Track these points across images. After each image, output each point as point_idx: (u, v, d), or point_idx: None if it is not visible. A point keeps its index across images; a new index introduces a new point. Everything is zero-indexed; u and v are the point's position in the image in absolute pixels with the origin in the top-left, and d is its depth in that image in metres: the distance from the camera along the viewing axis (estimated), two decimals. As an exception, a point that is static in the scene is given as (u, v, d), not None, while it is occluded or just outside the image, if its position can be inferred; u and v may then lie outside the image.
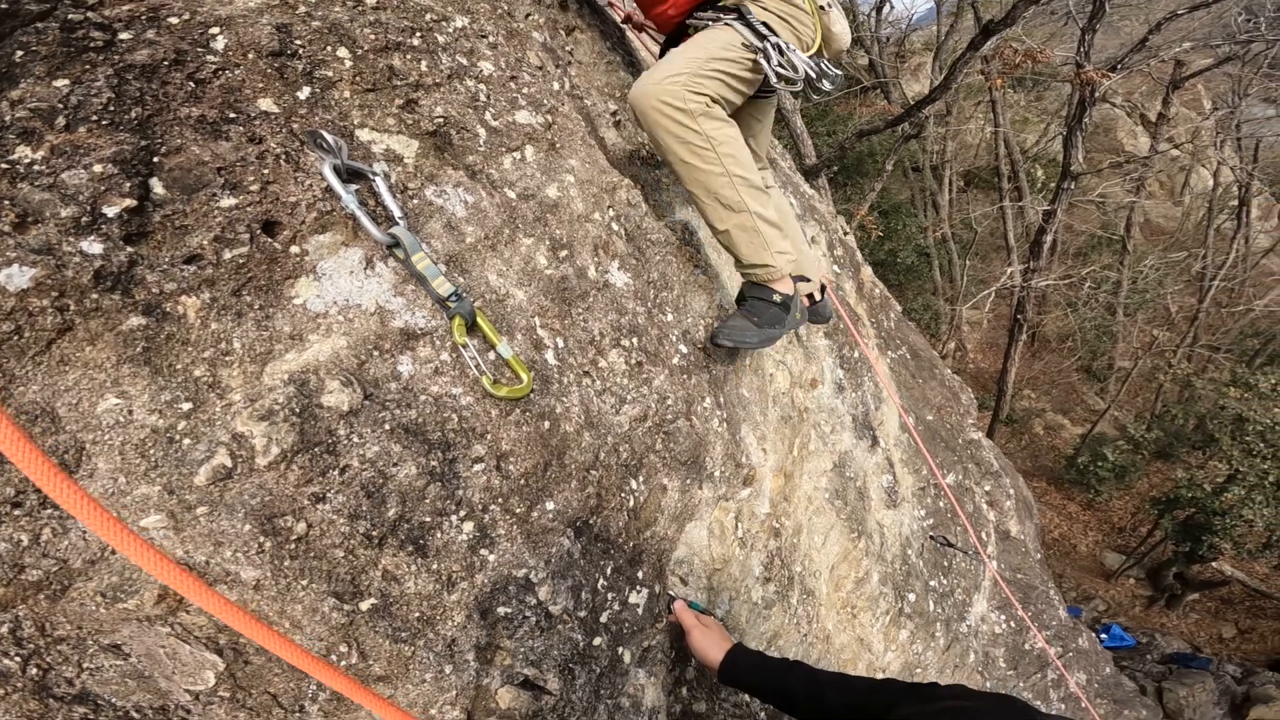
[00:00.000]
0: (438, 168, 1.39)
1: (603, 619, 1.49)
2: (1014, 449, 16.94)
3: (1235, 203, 17.17)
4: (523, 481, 1.26)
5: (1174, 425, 15.03)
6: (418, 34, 1.45)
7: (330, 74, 1.21)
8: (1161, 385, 16.33)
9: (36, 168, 0.82)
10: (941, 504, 4.43)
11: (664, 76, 1.77)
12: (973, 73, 10.99)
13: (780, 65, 1.89)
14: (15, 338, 0.78)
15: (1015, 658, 4.88)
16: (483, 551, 1.16)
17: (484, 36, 1.68)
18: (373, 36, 1.31)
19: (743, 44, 1.88)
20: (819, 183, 9.81)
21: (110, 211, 0.85)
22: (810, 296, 2.77)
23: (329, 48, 1.22)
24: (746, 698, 2.16)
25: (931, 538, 4.21)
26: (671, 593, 1.85)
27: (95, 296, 0.83)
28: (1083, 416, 18.09)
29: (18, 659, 0.85)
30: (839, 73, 2.37)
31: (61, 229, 0.82)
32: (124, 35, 0.95)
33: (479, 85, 1.60)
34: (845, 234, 5.25)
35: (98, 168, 0.85)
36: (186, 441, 0.86)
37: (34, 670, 0.86)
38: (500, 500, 1.20)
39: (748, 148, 1.90)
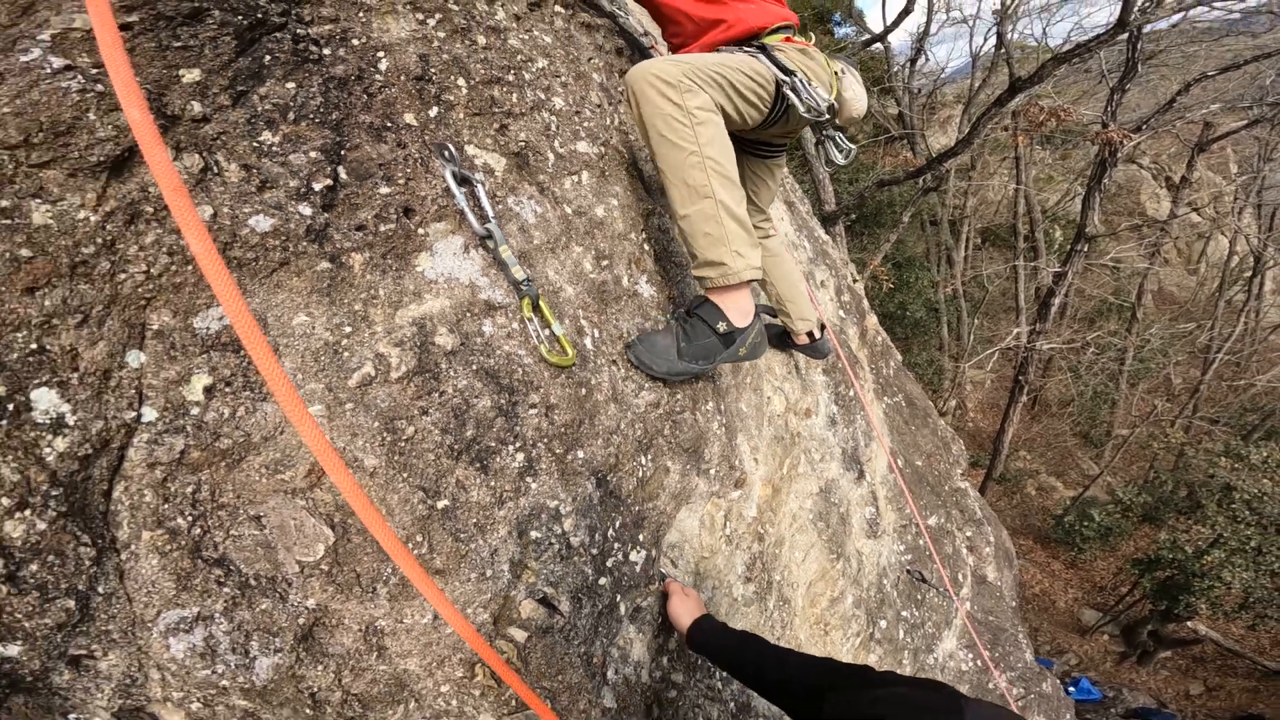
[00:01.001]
0: (518, 182, 1.75)
1: (608, 564, 1.79)
2: (1004, 506, 17.18)
3: (1249, 274, 17.25)
4: (563, 429, 1.59)
5: (1163, 491, 15.34)
6: (511, 71, 1.81)
7: (451, 98, 1.58)
8: (1156, 454, 16.55)
9: (274, 148, 1.18)
10: (921, 542, 4.68)
11: (665, 60, 1.75)
12: (998, 129, 10.98)
13: (809, 100, 1.90)
14: (254, 263, 1.13)
15: (978, 695, 5.09)
16: (528, 479, 1.49)
17: (558, 76, 2.05)
18: (481, 71, 1.68)
19: (756, 72, 1.87)
20: (835, 230, 10.12)
21: (317, 186, 1.22)
22: (810, 334, 2.94)
23: (452, 77, 1.59)
24: (719, 683, 2.39)
25: (908, 571, 4.43)
26: (663, 571, 2.13)
27: (304, 245, 1.18)
28: (1076, 480, 18.37)
29: (189, 518, 1.11)
30: (852, 146, 2.45)
31: (287, 194, 1.18)
32: (325, 51, 1.32)
33: (551, 117, 1.97)
34: (854, 281, 5.63)
35: (312, 154, 1.21)
36: (345, 354, 1.20)
37: (197, 530, 1.12)
38: (545, 440, 1.53)
39: (733, 153, 1.78)
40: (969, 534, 6.28)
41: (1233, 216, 17.05)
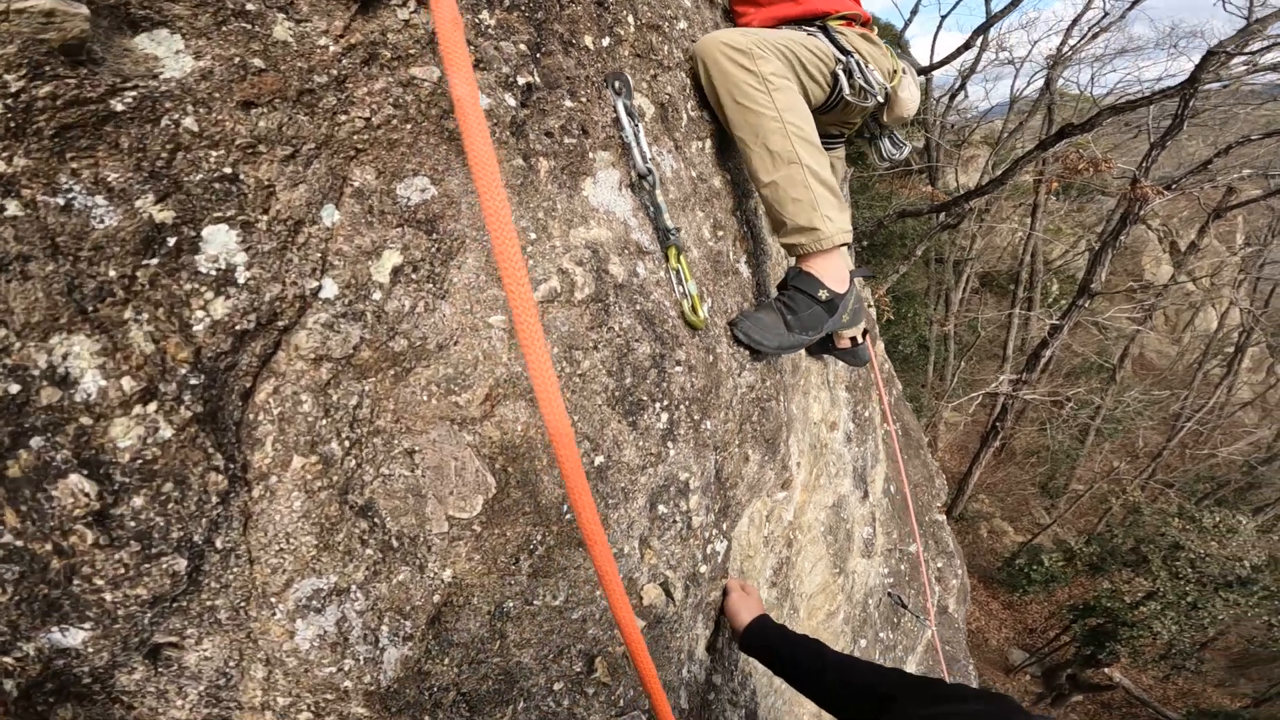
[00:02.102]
0: (661, 133, 1.66)
1: (707, 550, 1.69)
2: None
3: (1232, 349, 17.57)
4: (699, 395, 1.48)
5: (1112, 543, 15.91)
6: (665, 22, 1.73)
7: (621, 33, 1.48)
8: (1111, 508, 17.07)
9: (490, 30, 1.06)
10: (903, 567, 4.73)
11: (732, 30, 1.74)
12: (1027, 172, 11.02)
13: (860, 81, 1.86)
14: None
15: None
16: (668, 444, 1.38)
17: (694, 40, 1.97)
18: (646, 13, 1.59)
19: (818, 49, 1.83)
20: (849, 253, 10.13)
21: (520, 81, 1.10)
22: (854, 339, 3.00)
23: (624, 11, 1.49)
24: (737, 686, 2.31)
25: (889, 594, 4.48)
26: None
27: (507, 134, 1.06)
28: (1026, 527, 18.85)
29: (345, 443, 0.93)
30: (907, 144, 2.51)
31: (497, 79, 1.06)
32: None
33: (686, 79, 1.88)
34: (870, 305, 5.66)
35: (521, 46, 1.10)
36: (531, 262, 1.08)
37: (350, 462, 0.94)
38: (686, 403, 1.42)
39: (811, 118, 1.75)
40: (940, 565, 6.42)
41: (1231, 288, 17.13)
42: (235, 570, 0.86)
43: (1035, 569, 15.51)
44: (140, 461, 0.78)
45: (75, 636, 0.75)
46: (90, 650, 0.76)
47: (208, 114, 0.80)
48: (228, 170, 0.83)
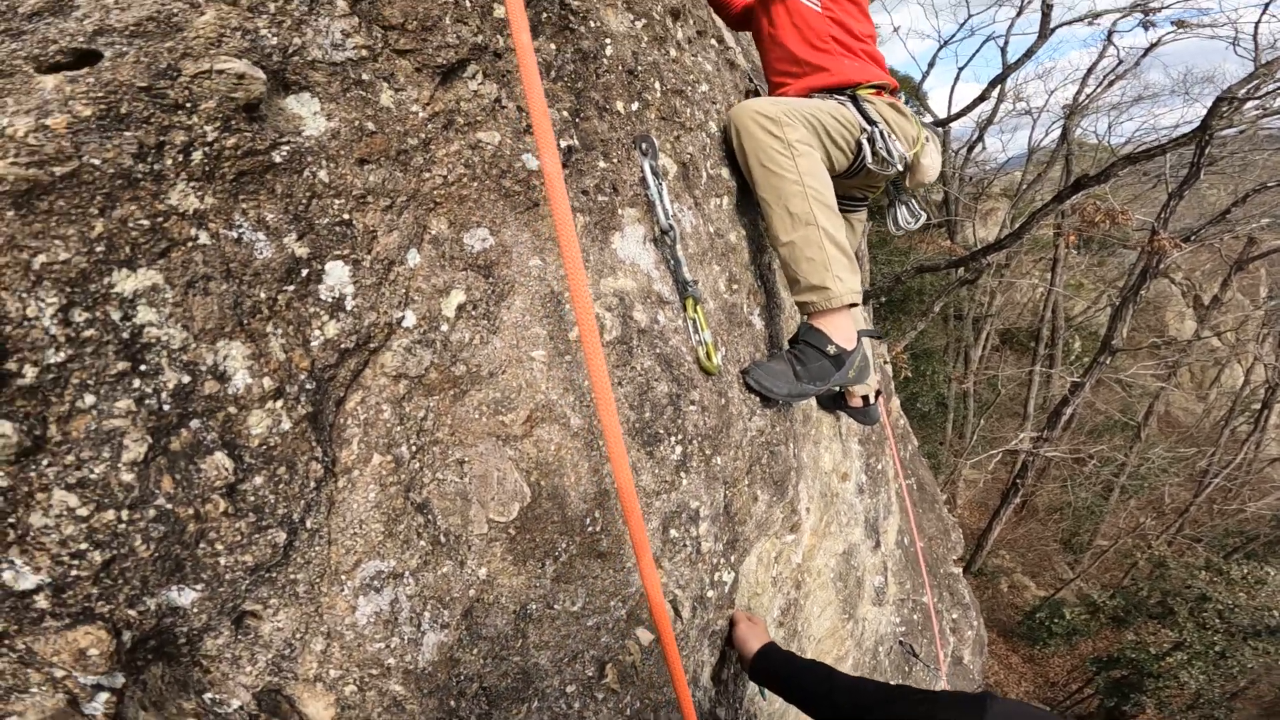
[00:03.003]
0: (683, 190, 1.80)
1: (715, 577, 1.77)
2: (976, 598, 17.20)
3: (1258, 405, 17.11)
4: (711, 433, 1.59)
5: (1138, 596, 15.48)
6: (688, 87, 1.89)
7: (648, 98, 1.64)
8: (1136, 563, 16.63)
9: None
10: (915, 617, 4.70)
11: (765, 99, 1.87)
12: (1045, 226, 10.97)
13: (883, 151, 1.96)
14: (517, 197, 1.17)
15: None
16: (681, 473, 1.48)
17: (714, 103, 2.13)
18: (672, 80, 1.75)
19: (845, 118, 1.94)
20: (866, 310, 10.11)
21: (563, 144, 1.26)
22: (865, 398, 2.90)
23: (651, 78, 1.65)
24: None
25: (900, 643, 4.45)
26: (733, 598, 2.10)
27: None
28: (1048, 582, 18.38)
29: (413, 448, 1.07)
30: (923, 214, 2.64)
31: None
32: (577, 23, 1.37)
33: (707, 139, 2.04)
34: (885, 362, 5.75)
35: (564, 112, 1.27)
36: (566, 306, 1.21)
37: (415, 464, 1.07)
38: (699, 439, 1.53)
39: (831, 184, 1.85)
40: (955, 616, 6.36)
41: (1255, 343, 16.85)
42: (318, 549, 0.99)
43: (1056, 622, 15.15)
44: (265, 447, 0.92)
45: (187, 596, 0.87)
46: (195, 610, 0.88)
47: (335, 168, 0.97)
48: (346, 216, 0.99)
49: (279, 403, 0.93)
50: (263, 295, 0.91)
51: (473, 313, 1.13)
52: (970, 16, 15.71)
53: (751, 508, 2.10)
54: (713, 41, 2.31)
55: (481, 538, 1.13)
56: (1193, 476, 18.64)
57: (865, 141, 1.95)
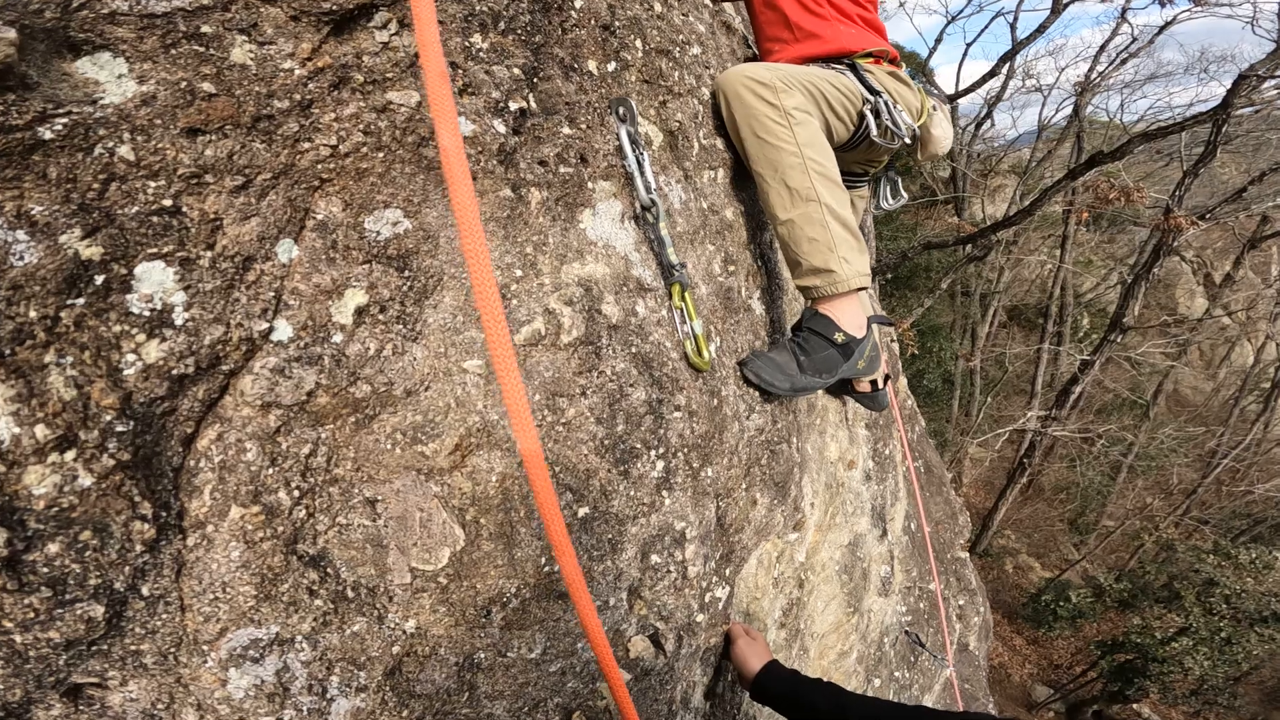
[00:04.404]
0: (670, 162, 1.58)
1: (706, 599, 1.59)
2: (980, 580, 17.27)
3: (1268, 384, 17.01)
4: (699, 442, 1.39)
5: (1144, 579, 15.49)
6: (676, 48, 1.66)
7: (628, 58, 1.42)
8: (1143, 544, 16.58)
9: (481, 53, 1.00)
10: (922, 605, 4.58)
11: (757, 64, 1.70)
12: (1056, 202, 10.82)
13: (888, 123, 1.81)
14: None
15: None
16: (663, 492, 1.28)
17: (708, 67, 1.91)
18: (656, 38, 1.53)
19: (846, 86, 1.79)
20: (872, 287, 9.99)
21: (513, 106, 1.03)
22: (874, 383, 2.90)
23: (631, 36, 1.43)
24: None
25: (906, 633, 4.36)
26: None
27: (494, 163, 0.99)
28: (1054, 563, 18.37)
29: (295, 493, 0.88)
30: (905, 195, 2.37)
31: (486, 104, 1.00)
32: None
33: (699, 106, 1.81)
34: (892, 340, 5.53)
35: (515, 70, 1.04)
36: (515, 301, 1.00)
37: (300, 513, 0.89)
38: (685, 450, 1.33)
39: (833, 154, 1.70)
40: (961, 602, 6.28)
41: (1267, 321, 16.57)
42: (164, 617, 0.82)
43: (1062, 605, 15.20)
44: (56, 509, 0.73)
45: (-18, 672, 0.70)
46: (1, 687, 0.73)
47: (146, 141, 0.74)
48: (167, 202, 0.77)
49: (69, 454, 0.73)
50: (33, 315, 0.70)
51: (380, 317, 0.92)
52: (979, -9, 15.32)
53: (750, 513, 1.92)
54: (706, 1, 2.07)
55: (405, 588, 0.95)
56: (1201, 457, 18.53)
57: (869, 112, 1.79)
